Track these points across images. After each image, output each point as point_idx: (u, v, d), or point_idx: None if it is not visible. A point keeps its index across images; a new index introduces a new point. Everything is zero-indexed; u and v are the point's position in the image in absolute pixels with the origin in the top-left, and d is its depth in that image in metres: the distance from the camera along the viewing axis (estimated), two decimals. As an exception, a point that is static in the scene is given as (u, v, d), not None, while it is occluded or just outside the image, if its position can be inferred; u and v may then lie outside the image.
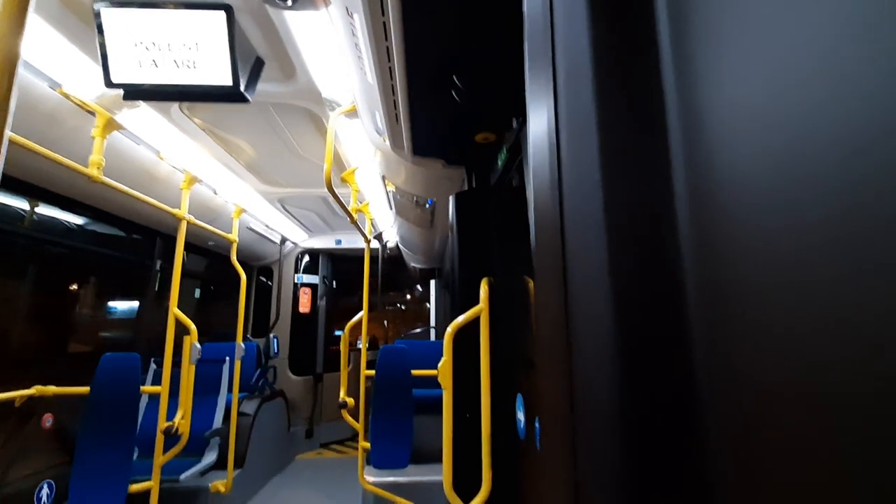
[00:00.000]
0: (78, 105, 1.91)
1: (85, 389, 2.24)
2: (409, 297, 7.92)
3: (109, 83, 1.57)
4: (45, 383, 2.18)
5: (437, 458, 1.53)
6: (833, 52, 0.22)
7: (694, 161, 0.31)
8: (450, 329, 1.54)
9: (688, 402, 0.30)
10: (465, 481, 1.53)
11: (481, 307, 1.50)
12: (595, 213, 0.34)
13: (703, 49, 0.31)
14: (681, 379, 0.30)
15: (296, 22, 1.57)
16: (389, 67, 1.25)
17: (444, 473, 1.50)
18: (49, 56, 1.65)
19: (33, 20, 1.48)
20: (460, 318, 1.52)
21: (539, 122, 0.41)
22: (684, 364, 0.30)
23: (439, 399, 1.55)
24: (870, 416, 0.20)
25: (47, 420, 2.41)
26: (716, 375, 0.29)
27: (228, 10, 1.48)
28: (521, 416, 1.44)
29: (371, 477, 2.76)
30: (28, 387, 2.14)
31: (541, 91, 0.41)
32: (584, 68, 0.37)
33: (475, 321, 1.50)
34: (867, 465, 0.20)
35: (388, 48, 1.16)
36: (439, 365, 1.55)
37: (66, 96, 1.85)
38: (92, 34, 1.55)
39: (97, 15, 1.48)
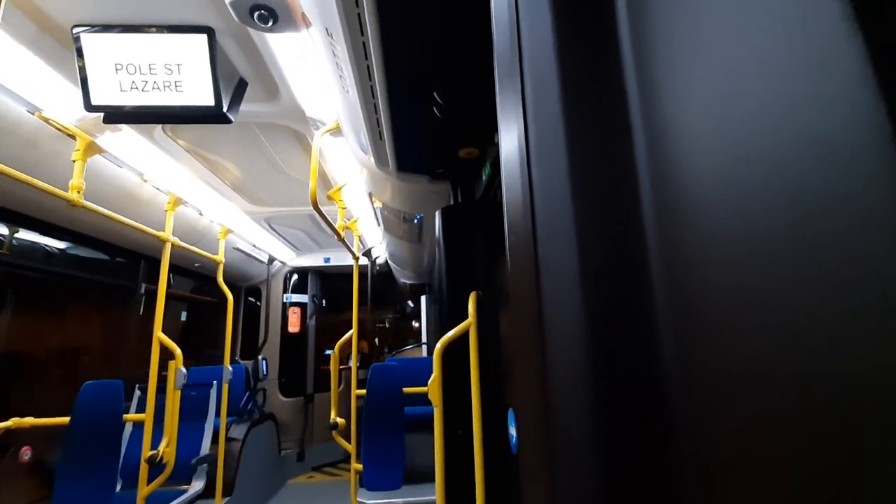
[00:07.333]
0: (58, 129, 1.89)
1: (64, 420, 2.17)
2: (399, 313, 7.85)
3: (90, 106, 1.56)
4: (22, 415, 2.11)
5: (432, 478, 1.50)
6: (790, 60, 0.22)
7: (658, 167, 0.32)
8: (439, 345, 1.52)
9: (657, 402, 0.30)
10: (460, 500, 1.50)
11: (470, 322, 1.49)
12: (565, 222, 0.34)
13: (664, 59, 0.32)
14: (651, 379, 0.30)
15: (278, 43, 1.58)
16: (371, 86, 1.26)
17: (436, 493, 1.47)
18: (26, 80, 1.63)
19: (9, 44, 1.47)
20: (449, 334, 1.51)
21: (510, 134, 0.41)
22: (654, 365, 0.30)
23: (432, 416, 1.53)
24: (839, 413, 0.19)
25: (25, 453, 2.32)
26: (684, 374, 0.29)
27: (210, 32, 1.49)
28: (513, 431, 1.42)
29: (364, 499, 2.70)
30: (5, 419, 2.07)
31: (510, 104, 0.42)
32: (550, 81, 0.37)
33: (465, 336, 1.49)
34: (834, 467, 0.19)
35: (368, 67, 1.18)
36: (429, 382, 1.53)
37: (46, 120, 1.83)
38: (70, 57, 1.54)
39: (76, 39, 1.47)
